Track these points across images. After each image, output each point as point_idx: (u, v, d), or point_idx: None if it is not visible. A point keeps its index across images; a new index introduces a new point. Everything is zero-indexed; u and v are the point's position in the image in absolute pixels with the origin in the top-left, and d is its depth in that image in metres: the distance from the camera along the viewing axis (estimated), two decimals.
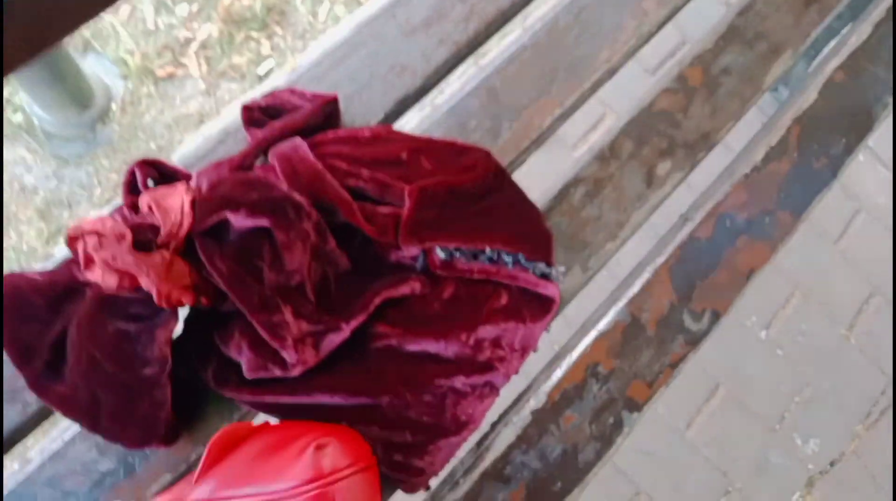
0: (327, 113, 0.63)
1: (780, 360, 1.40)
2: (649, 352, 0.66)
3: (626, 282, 0.69)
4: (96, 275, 0.50)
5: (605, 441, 0.63)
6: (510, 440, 0.62)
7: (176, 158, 0.64)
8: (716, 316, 0.69)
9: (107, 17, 1.21)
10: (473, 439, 0.61)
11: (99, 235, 0.49)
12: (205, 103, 1.22)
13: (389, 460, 0.54)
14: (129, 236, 0.50)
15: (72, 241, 0.51)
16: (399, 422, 0.55)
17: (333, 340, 0.54)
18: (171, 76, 1.23)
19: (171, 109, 1.21)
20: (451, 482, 0.61)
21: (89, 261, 0.50)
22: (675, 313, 0.68)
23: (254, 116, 0.63)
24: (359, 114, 0.68)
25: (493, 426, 0.64)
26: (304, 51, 1.24)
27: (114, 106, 1.20)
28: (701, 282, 0.69)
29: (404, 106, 0.69)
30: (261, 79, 1.25)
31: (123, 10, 1.24)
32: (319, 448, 0.46)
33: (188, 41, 1.26)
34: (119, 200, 0.59)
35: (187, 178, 0.59)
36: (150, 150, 1.18)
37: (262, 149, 0.59)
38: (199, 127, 1.20)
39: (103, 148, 1.17)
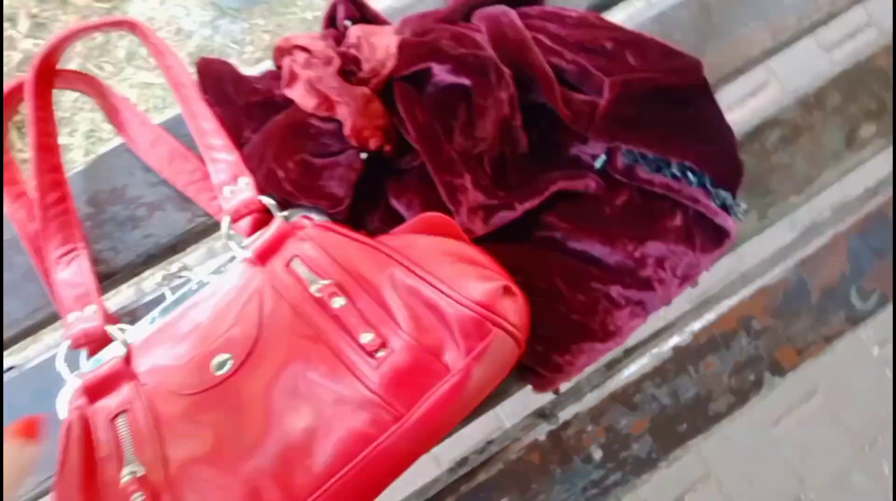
0: None
1: (887, 382, 1.33)
2: (808, 319, 0.62)
3: (800, 240, 0.65)
4: (297, 93, 0.50)
5: (741, 396, 0.61)
6: (646, 369, 0.60)
7: (386, 6, 0.63)
8: (884, 299, 0.64)
9: None
10: (608, 358, 0.60)
11: (309, 53, 0.49)
12: None
13: (531, 349, 0.53)
14: (337, 61, 0.49)
15: (279, 53, 0.51)
16: (549, 313, 0.54)
17: (504, 216, 0.53)
18: None
19: None
20: (578, 394, 0.60)
21: (293, 78, 0.50)
22: (844, 286, 0.64)
23: None
24: None
25: (629, 351, 0.62)
26: None
27: None
28: (878, 261, 0.65)
29: (611, 1, 0.65)
30: None
31: None
32: (507, 292, 0.46)
33: None
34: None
35: (383, 21, 0.58)
36: (306, 19, 1.18)
37: (467, 7, 0.58)
38: None
39: (260, 7, 1.18)
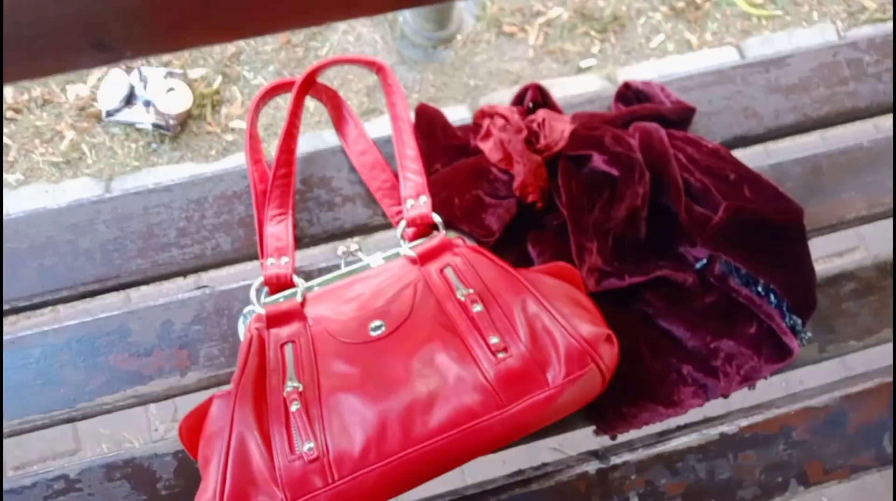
0: (683, 116, 0.74)
1: None
2: (840, 445, 0.70)
3: (850, 380, 0.74)
4: (487, 147, 0.64)
5: (766, 492, 0.69)
6: (692, 444, 0.69)
7: (558, 98, 0.77)
8: None
9: None
10: (663, 426, 0.69)
11: (506, 120, 0.63)
12: (525, 68, 1.37)
13: (606, 395, 0.64)
14: (525, 132, 0.64)
15: (481, 114, 0.65)
16: (627, 371, 0.64)
17: (613, 283, 0.65)
18: (511, 34, 1.40)
19: (499, 61, 1.38)
20: (631, 446, 0.69)
21: (488, 135, 0.64)
22: (879, 428, 0.71)
23: (626, 92, 0.75)
24: (701, 128, 0.78)
25: (682, 427, 0.71)
26: (625, 64, 1.36)
27: (459, 37, 1.39)
28: None
29: (740, 142, 0.78)
30: (579, 70, 1.38)
31: None
32: (608, 339, 0.57)
33: (538, 13, 1.42)
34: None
35: (559, 110, 0.72)
36: (468, 84, 1.36)
37: (627, 119, 0.71)
38: (511, 86, 1.36)
39: (434, 65, 1.36)
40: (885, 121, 0.83)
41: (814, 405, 0.71)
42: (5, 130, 1.37)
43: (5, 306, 0.69)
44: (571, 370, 0.56)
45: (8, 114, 1.37)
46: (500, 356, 0.57)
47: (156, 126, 1.32)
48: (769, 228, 0.68)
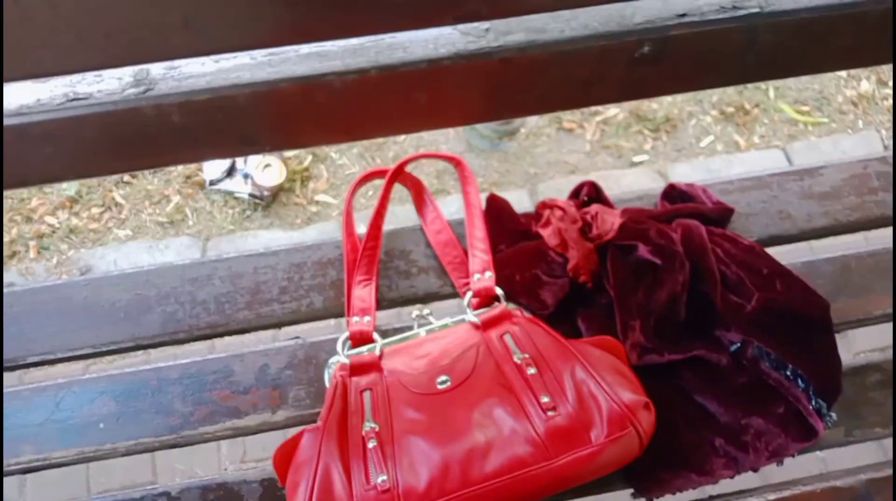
0: (723, 216, 0.83)
1: None
2: None
3: (877, 465, 0.77)
4: (546, 233, 0.74)
5: None
6: None
7: (611, 193, 0.87)
8: None
9: None
10: (697, 494, 0.75)
11: (564, 212, 0.74)
12: (581, 160, 1.49)
13: (644, 460, 0.70)
14: (580, 222, 0.74)
15: (542, 205, 0.76)
16: (664, 440, 0.71)
17: (654, 358, 0.73)
18: (570, 130, 1.53)
19: (557, 153, 1.50)
20: None
21: (548, 223, 0.75)
22: None
23: (672, 192, 0.84)
24: (739, 228, 0.86)
25: (713, 497, 0.76)
26: (676, 160, 1.46)
27: (522, 130, 1.52)
28: None
29: (775, 241, 0.85)
30: (631, 164, 1.49)
31: None
32: (647, 407, 0.65)
33: (596, 112, 1.55)
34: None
35: (611, 205, 0.82)
36: (528, 172, 1.48)
37: (671, 215, 0.80)
38: (568, 175, 1.47)
39: (499, 154, 1.49)
40: None
41: (839, 486, 0.75)
42: (121, 192, 1.56)
43: (130, 344, 0.81)
44: (612, 431, 0.63)
45: (125, 178, 1.56)
46: (550, 414, 0.64)
47: (251, 196, 1.49)
48: (798, 319, 0.75)
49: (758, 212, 0.86)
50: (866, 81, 1.62)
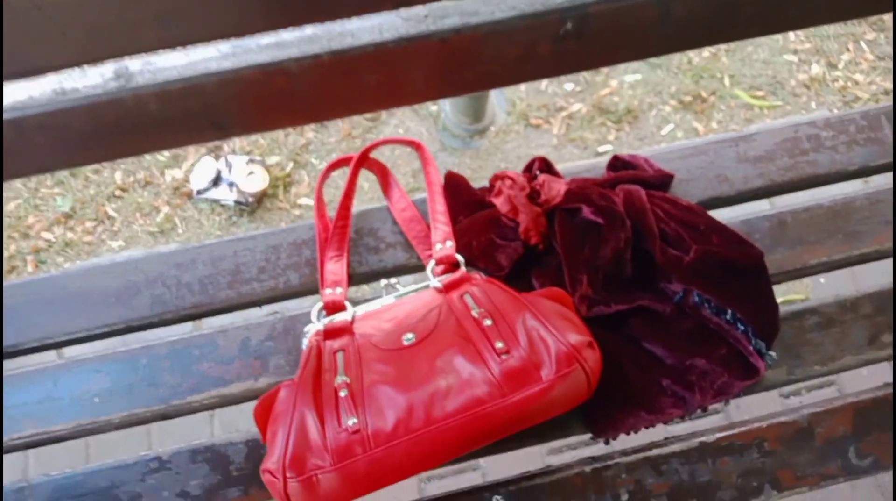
0: (663, 181, 0.89)
1: None
2: (809, 456, 0.79)
3: (818, 401, 0.83)
4: (498, 201, 0.81)
5: (743, 495, 0.78)
6: (676, 450, 0.80)
7: (560, 168, 0.94)
8: (878, 464, 0.80)
9: None
10: (651, 437, 0.80)
11: (514, 181, 0.81)
12: (549, 153, 1.56)
13: (597, 403, 0.76)
14: (528, 189, 0.80)
15: (496, 177, 0.82)
16: (615, 383, 0.77)
17: (601, 309, 0.79)
18: (538, 126, 1.60)
19: (526, 148, 1.58)
20: (623, 451, 0.80)
21: (499, 192, 0.81)
22: (844, 442, 0.80)
23: (616, 163, 0.91)
24: (679, 191, 0.92)
25: (669, 438, 0.82)
26: (638, 149, 1.53)
27: (492, 129, 1.60)
28: (879, 433, 0.81)
29: (714, 204, 0.92)
30: (597, 155, 1.56)
31: None
32: (591, 345, 0.71)
33: (561, 108, 1.63)
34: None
35: (560, 176, 0.89)
36: (499, 167, 1.55)
37: (614, 182, 0.87)
38: None
39: (471, 151, 1.57)
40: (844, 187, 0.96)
41: (783, 421, 0.81)
42: (113, 205, 1.62)
43: (121, 326, 0.87)
44: (560, 369, 0.69)
45: (116, 192, 1.62)
46: (504, 357, 0.70)
47: (237, 203, 1.56)
48: (734, 267, 0.81)
49: (697, 177, 0.93)
50: (816, 65, 1.70)
